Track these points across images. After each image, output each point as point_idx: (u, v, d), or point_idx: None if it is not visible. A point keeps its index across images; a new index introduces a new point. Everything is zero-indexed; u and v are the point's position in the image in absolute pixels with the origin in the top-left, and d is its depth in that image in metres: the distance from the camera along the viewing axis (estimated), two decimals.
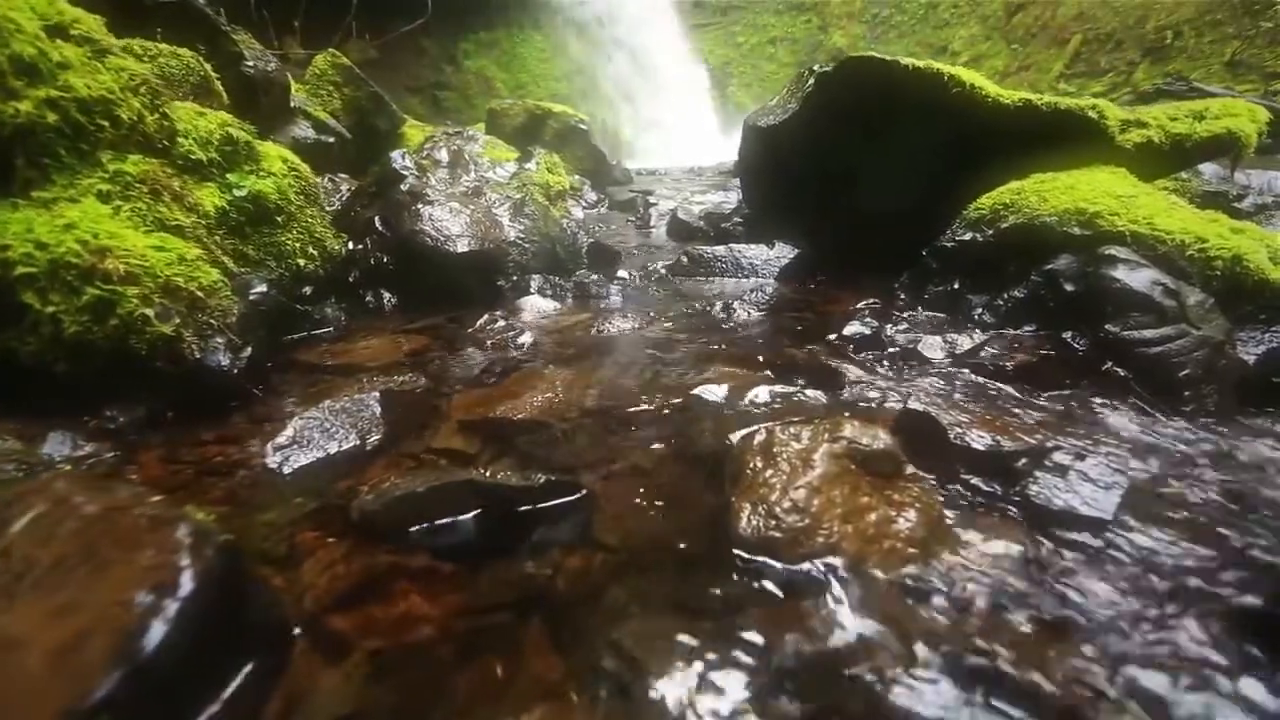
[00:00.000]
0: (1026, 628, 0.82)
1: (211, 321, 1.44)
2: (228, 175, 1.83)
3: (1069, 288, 1.75)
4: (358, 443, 1.29)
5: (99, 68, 1.36)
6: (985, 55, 12.82)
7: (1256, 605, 0.84)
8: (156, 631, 0.60)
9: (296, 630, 0.87)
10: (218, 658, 0.70)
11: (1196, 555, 0.95)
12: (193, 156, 1.71)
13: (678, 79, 14.75)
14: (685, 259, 2.91)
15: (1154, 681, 0.75)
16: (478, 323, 2.16)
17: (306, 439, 1.26)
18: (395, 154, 2.76)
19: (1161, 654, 0.78)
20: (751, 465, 1.01)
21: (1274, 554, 0.93)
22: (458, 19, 14.03)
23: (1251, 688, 0.74)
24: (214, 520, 0.79)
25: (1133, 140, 2.12)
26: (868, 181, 2.65)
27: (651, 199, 5.29)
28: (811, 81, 2.59)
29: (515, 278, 2.60)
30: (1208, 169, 2.98)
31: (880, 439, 1.02)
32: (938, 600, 0.86)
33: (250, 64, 3.48)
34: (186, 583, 0.64)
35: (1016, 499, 1.06)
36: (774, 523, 0.89)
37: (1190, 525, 1.01)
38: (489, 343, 1.99)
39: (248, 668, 0.75)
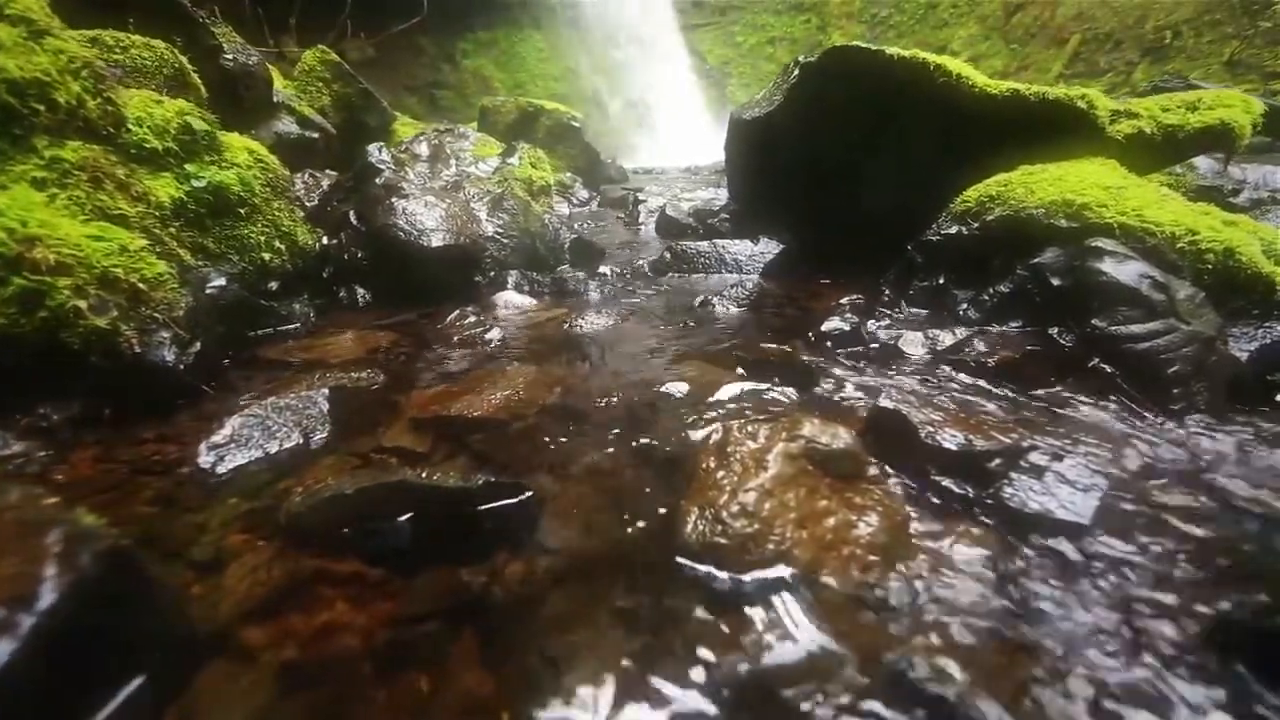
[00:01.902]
0: (993, 644, 0.76)
1: (155, 315, 1.37)
2: (186, 165, 1.76)
3: (1055, 282, 1.69)
4: (300, 441, 1.23)
5: (34, 49, 1.30)
6: (984, 55, 12.75)
7: (1239, 618, 0.77)
8: (3, 650, 0.54)
9: (205, 642, 0.80)
10: (93, 675, 0.64)
11: (1179, 564, 0.88)
12: (146, 145, 1.65)
13: (676, 79, 14.72)
14: (669, 255, 2.85)
15: (1130, 704, 0.68)
16: (448, 319, 2.10)
17: (245, 437, 1.19)
18: (372, 147, 2.70)
19: (1139, 673, 0.72)
20: (705, 466, 0.94)
21: (1259, 563, 0.87)
22: (456, 18, 13.99)
23: (1234, 709, 0.67)
24: (105, 523, 0.72)
25: (1123, 131, 2.05)
26: (854, 174, 2.59)
27: (643, 196, 5.23)
28: (796, 72, 2.53)
29: (492, 273, 2.54)
30: (1202, 164, 2.92)
31: (841, 438, 0.95)
32: (897, 613, 0.80)
33: (229, 57, 3.42)
34: (48, 594, 0.58)
35: (989, 502, 0.99)
36: (720, 528, 0.82)
37: (1173, 531, 0.95)
38: (457, 339, 1.92)
39: (134, 685, 0.68)
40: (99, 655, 0.65)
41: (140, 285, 1.34)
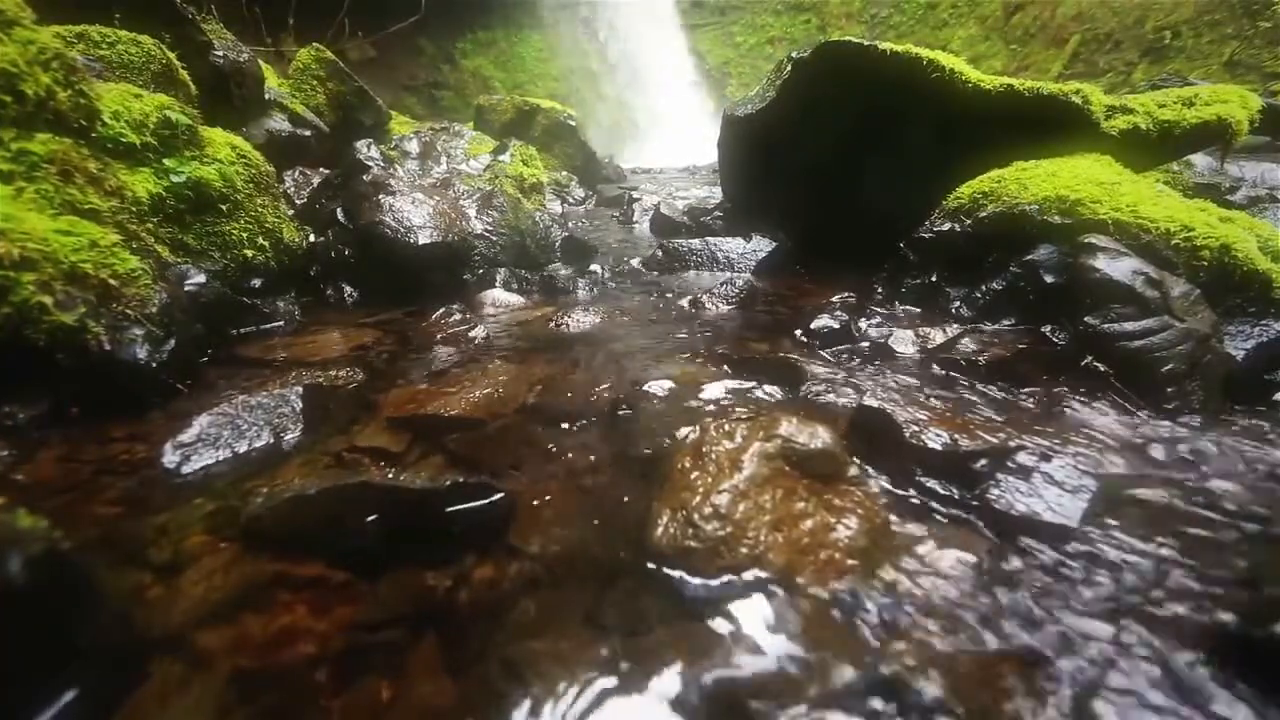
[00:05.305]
0: (976, 652, 0.73)
1: (127, 312, 1.34)
2: (165, 160, 1.73)
3: (1048, 279, 1.66)
4: (271, 441, 1.20)
5: (2, 39, 1.27)
6: (984, 55, 12.72)
7: (1232, 625, 0.74)
8: None
9: (156, 647, 0.77)
10: (25, 682, 0.61)
11: (1170, 568, 0.85)
12: (123, 139, 1.62)
13: (675, 79, 14.70)
14: (661, 253, 2.82)
15: (1118, 715, 0.65)
16: (434, 317, 2.07)
17: (214, 437, 1.16)
18: (360, 144, 2.67)
19: (1127, 683, 0.68)
20: (680, 466, 0.91)
21: (1253, 567, 0.84)
22: (456, 18, 13.98)
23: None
24: (47, 524, 0.69)
25: (1118, 127, 2.02)
26: (848, 171, 2.56)
27: (639, 195, 5.20)
28: (789, 69, 2.50)
29: (481, 271, 2.51)
30: (1200, 161, 2.88)
31: (820, 437, 0.92)
32: (875, 620, 0.77)
33: (220, 54, 3.39)
34: None
35: (974, 504, 0.96)
36: (691, 531, 0.79)
37: (1164, 534, 0.92)
38: (441, 337, 1.89)
39: (73, 691, 0.65)
40: (31, 662, 0.62)
41: (111, 281, 1.31)
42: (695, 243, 2.83)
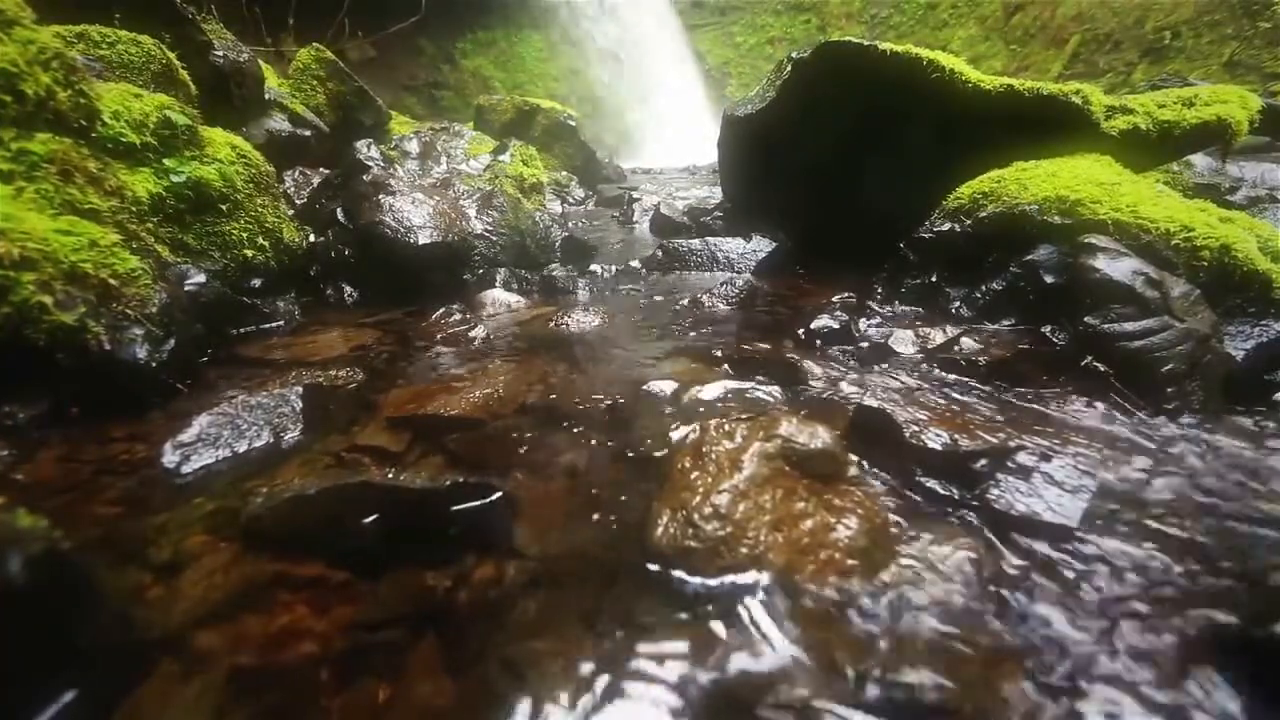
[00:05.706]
0: (976, 652, 0.73)
1: (127, 311, 1.34)
2: (165, 160, 1.73)
3: (1048, 279, 1.66)
4: (271, 440, 1.20)
5: (2, 39, 1.27)
6: (984, 56, 12.72)
7: (1233, 625, 0.74)
8: None
9: (155, 646, 0.77)
10: (24, 681, 0.61)
11: (1170, 568, 0.85)
12: (123, 139, 1.62)
13: (675, 79, 14.71)
14: (661, 253, 2.82)
15: (1117, 716, 0.65)
16: (434, 317, 2.07)
17: (214, 436, 1.16)
18: (360, 144, 2.67)
19: (1127, 683, 0.68)
20: (680, 466, 0.91)
21: (1253, 567, 0.84)
22: (456, 18, 13.98)
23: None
24: (48, 524, 0.69)
25: (1118, 127, 2.02)
26: (848, 171, 2.56)
27: (639, 195, 5.21)
28: (789, 69, 2.50)
29: (481, 271, 2.50)
30: (1200, 161, 2.89)
31: (820, 437, 0.92)
32: (876, 620, 0.77)
33: (220, 54, 3.39)
34: None
35: (974, 503, 0.96)
36: (691, 531, 0.79)
37: (1164, 534, 0.92)
38: (441, 337, 1.89)
39: (74, 690, 0.65)
40: (31, 662, 0.62)
41: (111, 281, 1.31)
42: (695, 243, 2.83)
